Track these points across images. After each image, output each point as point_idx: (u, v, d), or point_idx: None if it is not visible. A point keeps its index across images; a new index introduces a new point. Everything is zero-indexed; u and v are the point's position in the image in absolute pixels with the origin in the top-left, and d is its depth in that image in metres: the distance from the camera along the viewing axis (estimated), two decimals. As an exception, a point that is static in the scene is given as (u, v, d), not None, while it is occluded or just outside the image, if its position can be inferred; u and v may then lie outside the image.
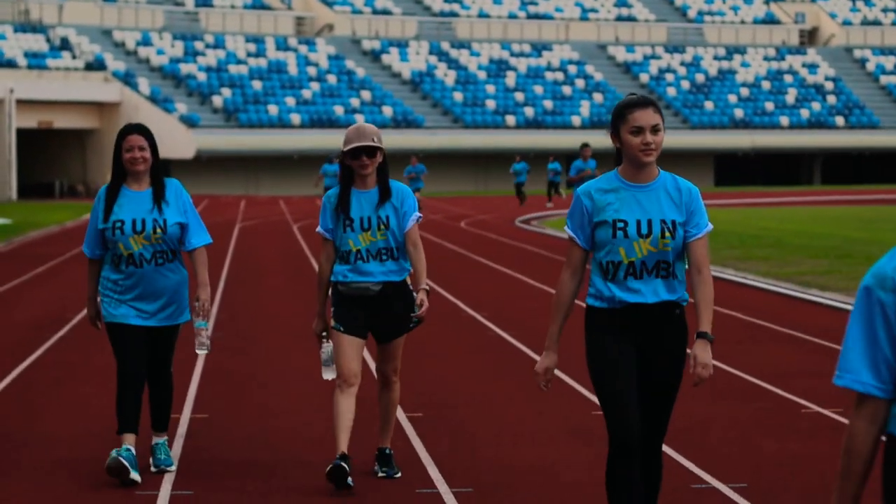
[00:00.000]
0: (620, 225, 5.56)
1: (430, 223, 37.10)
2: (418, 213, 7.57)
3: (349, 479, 7.24)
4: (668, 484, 7.48)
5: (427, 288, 7.47)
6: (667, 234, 5.57)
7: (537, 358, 12.12)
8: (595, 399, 10.14)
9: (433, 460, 8.09)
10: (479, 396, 10.33)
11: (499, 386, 10.80)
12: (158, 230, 7.67)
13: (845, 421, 9.14)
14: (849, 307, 15.80)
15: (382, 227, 7.48)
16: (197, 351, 7.76)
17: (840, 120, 78.45)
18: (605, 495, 7.28)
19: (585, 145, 30.04)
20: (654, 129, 5.61)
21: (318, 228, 7.58)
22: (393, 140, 65.42)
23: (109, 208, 7.72)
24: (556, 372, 11.33)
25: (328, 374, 7.55)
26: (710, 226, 5.70)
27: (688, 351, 5.66)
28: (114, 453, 7.55)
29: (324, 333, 7.55)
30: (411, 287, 7.62)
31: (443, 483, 7.54)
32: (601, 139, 72.99)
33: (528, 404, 9.95)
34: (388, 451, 7.73)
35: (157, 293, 7.73)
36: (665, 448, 8.38)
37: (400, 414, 9.44)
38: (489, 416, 9.52)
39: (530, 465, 7.98)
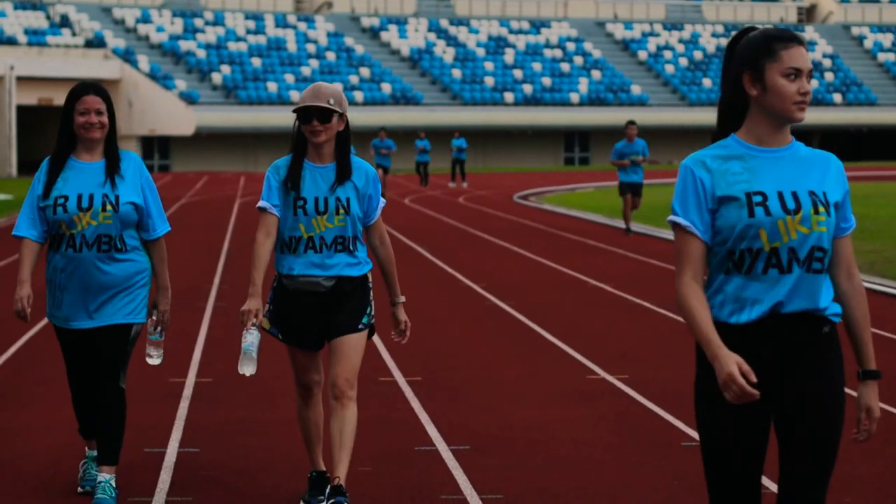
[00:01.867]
0: (757, 199, 4.00)
1: (428, 199, 37.30)
2: (383, 200, 6.33)
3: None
4: (658, 443, 7.69)
5: (404, 300, 6.40)
6: (820, 208, 4.02)
7: (533, 326, 12.35)
8: (592, 365, 10.37)
9: (432, 420, 8.31)
10: (475, 360, 10.55)
11: (495, 350, 11.03)
12: (109, 207, 6.34)
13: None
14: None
15: (342, 210, 6.16)
16: (148, 360, 6.63)
17: (838, 97, 78.56)
18: (598, 452, 7.52)
19: (631, 123, 23.36)
20: (810, 75, 4.10)
21: (260, 202, 6.20)
22: (392, 117, 65.51)
23: (52, 182, 6.41)
24: (550, 337, 11.58)
25: (247, 368, 6.10)
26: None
27: (848, 391, 4.31)
28: (87, 487, 6.65)
29: (254, 319, 6.09)
30: (370, 286, 6.35)
31: (441, 441, 7.76)
32: (599, 116, 73.17)
33: (523, 367, 10.18)
34: (339, 486, 6.15)
35: (98, 286, 6.39)
36: (657, 408, 8.59)
37: (399, 378, 9.67)
38: (485, 379, 9.75)
39: (525, 425, 8.20)
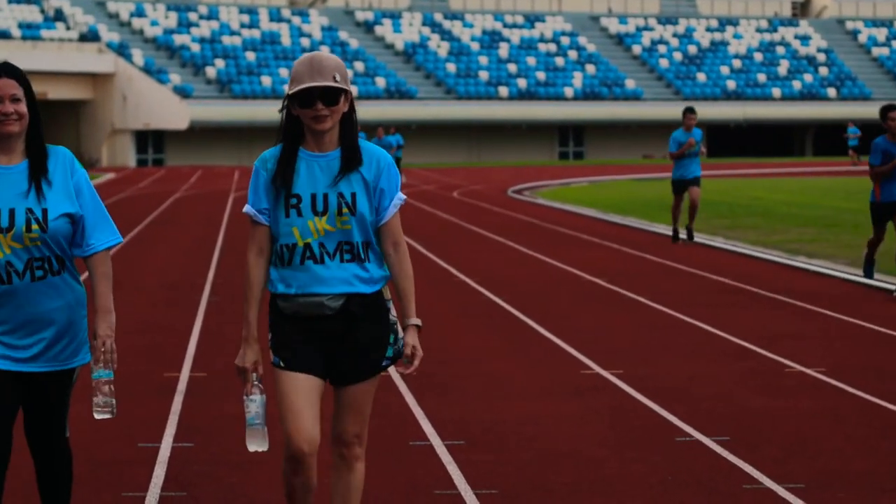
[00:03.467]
0: None
1: (423, 193, 37.29)
2: (402, 195, 5.01)
3: None
4: (652, 438, 7.72)
5: (419, 323, 5.00)
6: None
7: (527, 320, 12.35)
8: (587, 360, 10.37)
9: (426, 415, 8.31)
10: (469, 355, 10.55)
11: (489, 345, 11.02)
12: (35, 226, 4.96)
13: (827, 380, 9.38)
14: (834, 273, 16.05)
15: (346, 209, 4.89)
16: (95, 414, 5.12)
17: (832, 91, 78.60)
18: (592, 447, 7.52)
19: (690, 111, 20.99)
20: None
21: (246, 207, 4.98)
22: (386, 111, 65.50)
23: None
24: (544, 332, 11.58)
25: (256, 444, 5.00)
26: None
27: None
28: None
29: (255, 375, 5.00)
30: (390, 306, 5.06)
31: (435, 436, 7.76)
32: (594, 110, 73.14)
33: (517, 362, 10.18)
34: None
35: (36, 322, 5.03)
36: (651, 403, 8.61)
37: (392, 371, 9.67)
38: (479, 374, 9.75)
39: (519, 420, 8.20)
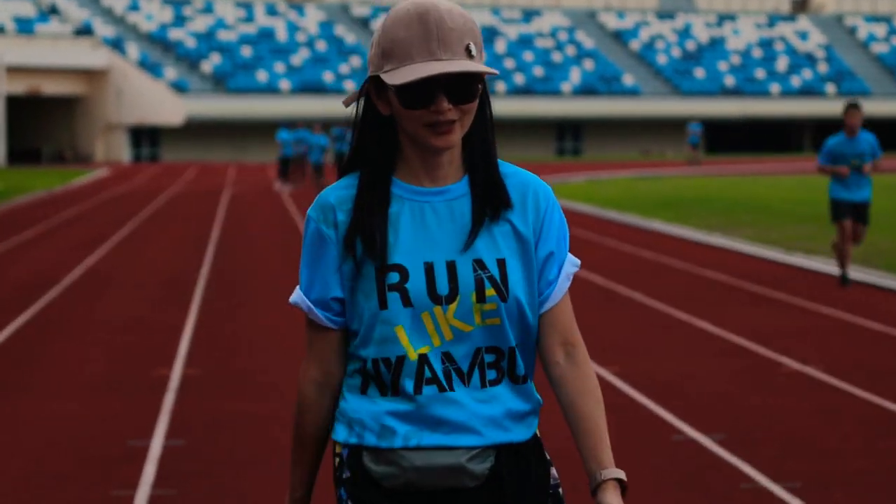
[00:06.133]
0: None
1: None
2: (576, 260, 2.86)
3: None
4: (648, 435, 7.65)
5: (623, 476, 2.76)
6: None
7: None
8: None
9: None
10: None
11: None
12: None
13: (824, 378, 9.32)
14: (833, 270, 16.00)
15: (491, 291, 2.74)
16: None
17: (831, 88, 78.61)
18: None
19: (853, 107, 14.75)
20: None
21: (296, 295, 2.80)
22: (383, 107, 65.44)
23: None
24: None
25: None
26: None
27: None
28: None
29: None
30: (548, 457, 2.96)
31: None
32: (591, 106, 73.10)
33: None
34: None
35: None
36: (647, 401, 8.55)
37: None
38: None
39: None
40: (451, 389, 2.73)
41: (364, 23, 75.46)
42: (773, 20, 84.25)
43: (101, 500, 6.43)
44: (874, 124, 79.36)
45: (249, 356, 10.40)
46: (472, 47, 2.66)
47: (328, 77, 69.29)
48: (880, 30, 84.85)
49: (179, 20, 71.10)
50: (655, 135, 72.50)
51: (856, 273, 15.43)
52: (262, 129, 66.85)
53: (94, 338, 11.19)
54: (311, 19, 74.41)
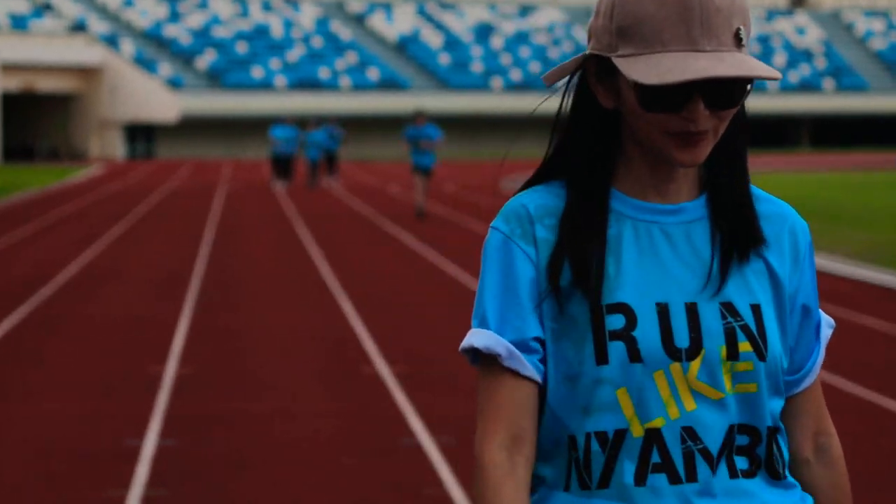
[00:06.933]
0: None
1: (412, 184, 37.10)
2: (831, 321, 2.12)
3: None
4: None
5: None
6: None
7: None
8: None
9: (417, 412, 8.18)
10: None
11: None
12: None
13: (824, 376, 9.26)
14: (832, 267, 15.94)
15: (748, 346, 1.94)
16: None
17: (829, 83, 78.59)
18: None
19: None
20: None
21: (484, 337, 2.06)
22: (378, 103, 65.39)
23: None
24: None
25: None
26: None
27: None
28: None
29: None
30: None
31: (426, 434, 7.63)
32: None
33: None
34: None
35: None
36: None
37: (383, 368, 9.53)
38: (471, 370, 9.61)
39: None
40: (695, 480, 1.94)
41: (359, 19, 75.41)
42: (770, 15, 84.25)
43: (94, 500, 6.35)
44: (872, 120, 79.37)
45: (244, 354, 10.32)
46: (742, 32, 1.93)
47: (324, 73, 69.22)
48: (879, 25, 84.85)
49: (174, 16, 71.02)
50: (651, 131, 72.63)
51: (855, 270, 15.38)
52: (257, 126, 66.81)
53: (87, 335, 11.12)
54: (307, 15, 74.34)
